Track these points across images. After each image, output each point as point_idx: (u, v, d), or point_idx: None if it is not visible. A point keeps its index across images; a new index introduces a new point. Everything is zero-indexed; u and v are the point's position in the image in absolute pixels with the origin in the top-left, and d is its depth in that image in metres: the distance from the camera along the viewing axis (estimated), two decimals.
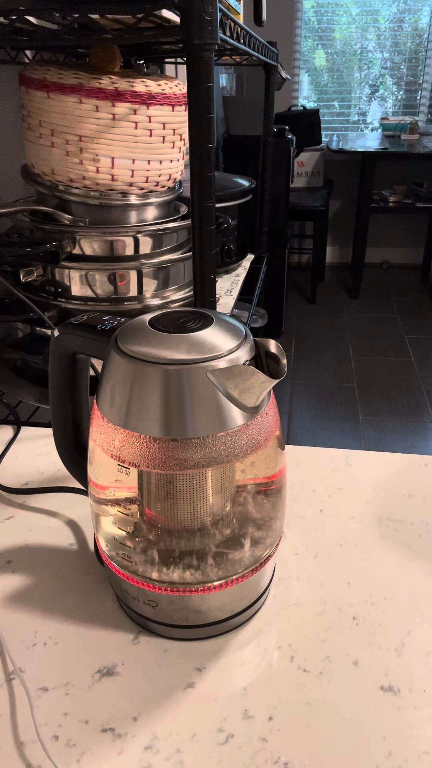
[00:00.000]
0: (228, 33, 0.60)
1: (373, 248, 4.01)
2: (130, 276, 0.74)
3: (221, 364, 0.38)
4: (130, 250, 0.74)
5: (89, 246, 0.73)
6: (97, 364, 0.49)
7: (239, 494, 0.45)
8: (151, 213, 0.77)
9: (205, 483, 0.42)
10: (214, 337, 0.40)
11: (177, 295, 0.79)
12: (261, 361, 0.41)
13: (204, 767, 0.38)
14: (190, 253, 0.65)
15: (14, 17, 0.55)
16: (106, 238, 0.73)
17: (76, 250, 0.73)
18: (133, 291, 0.75)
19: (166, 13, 0.53)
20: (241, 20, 0.79)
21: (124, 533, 0.44)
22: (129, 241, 0.74)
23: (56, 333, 0.47)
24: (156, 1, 0.51)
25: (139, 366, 0.39)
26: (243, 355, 0.40)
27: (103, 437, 0.42)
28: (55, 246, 0.69)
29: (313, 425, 2.39)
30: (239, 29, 0.67)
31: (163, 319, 0.42)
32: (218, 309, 0.94)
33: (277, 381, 0.38)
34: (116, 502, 0.44)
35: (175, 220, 0.79)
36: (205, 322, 0.42)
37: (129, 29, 0.59)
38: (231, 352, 0.39)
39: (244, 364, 0.39)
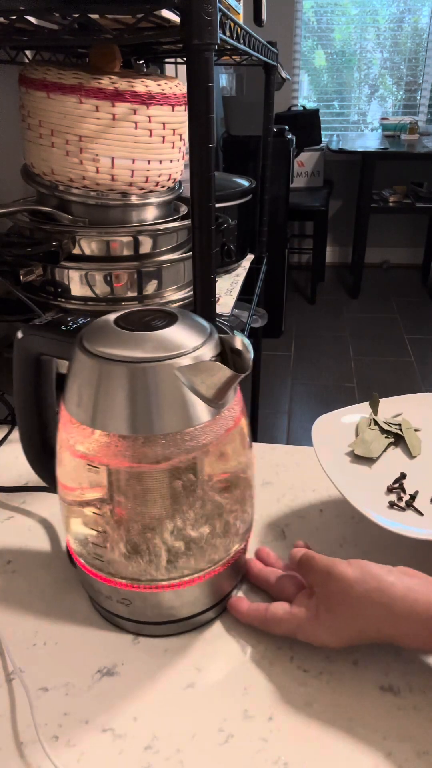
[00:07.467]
0: (228, 33, 0.60)
1: (373, 248, 4.01)
2: (130, 276, 0.74)
3: (186, 361, 0.39)
4: (129, 250, 0.74)
5: (89, 246, 0.73)
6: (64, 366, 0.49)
7: (207, 489, 0.45)
8: (151, 213, 0.77)
9: (173, 479, 0.43)
10: (179, 334, 0.41)
11: (177, 295, 0.79)
12: (226, 356, 0.41)
13: (204, 767, 0.38)
14: (190, 253, 0.65)
15: (14, 17, 0.55)
16: (106, 238, 0.73)
17: (76, 250, 0.73)
18: (133, 291, 0.75)
19: (166, 13, 0.54)
20: (241, 20, 0.79)
21: (94, 532, 0.44)
22: (129, 241, 0.74)
23: (19, 335, 0.47)
24: (156, 1, 0.51)
25: (105, 365, 0.39)
26: (208, 351, 0.40)
27: (71, 437, 0.42)
28: (55, 246, 0.69)
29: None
30: (239, 29, 0.67)
31: (128, 318, 0.43)
32: (218, 309, 0.94)
33: (243, 376, 0.39)
34: (86, 502, 0.44)
35: (175, 220, 0.79)
36: (170, 320, 0.42)
37: (129, 29, 0.59)
38: (196, 349, 0.40)
39: (209, 360, 0.40)
